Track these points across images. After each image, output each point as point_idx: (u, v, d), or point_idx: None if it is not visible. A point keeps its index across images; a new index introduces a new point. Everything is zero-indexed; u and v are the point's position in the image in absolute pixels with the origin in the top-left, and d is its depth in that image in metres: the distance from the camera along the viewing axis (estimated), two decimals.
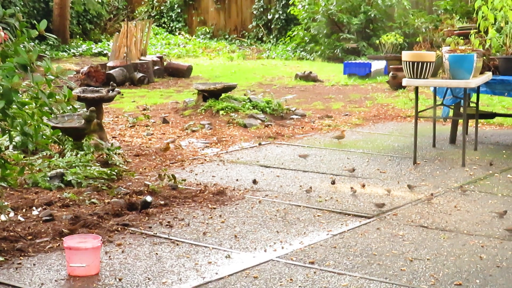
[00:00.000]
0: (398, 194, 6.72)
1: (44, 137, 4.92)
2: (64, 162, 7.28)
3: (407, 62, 7.79)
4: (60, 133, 7.57)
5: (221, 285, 4.58)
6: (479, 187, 7.03)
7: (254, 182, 7.06)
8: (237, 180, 7.24)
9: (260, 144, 8.11)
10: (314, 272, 4.79)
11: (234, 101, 11.11)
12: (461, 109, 8.72)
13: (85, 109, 8.37)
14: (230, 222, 5.88)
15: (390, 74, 14.30)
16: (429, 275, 4.74)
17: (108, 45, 20.43)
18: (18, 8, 19.40)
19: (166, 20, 24.46)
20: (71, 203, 6.24)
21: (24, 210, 6.03)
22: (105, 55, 19.58)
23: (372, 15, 19.16)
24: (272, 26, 22.44)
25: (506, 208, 6.15)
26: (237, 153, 8.55)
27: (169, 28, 24.24)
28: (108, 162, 7.59)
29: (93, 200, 6.31)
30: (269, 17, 22.46)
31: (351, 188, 6.77)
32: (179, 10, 24.23)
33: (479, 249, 5.24)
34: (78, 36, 22.07)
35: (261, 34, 22.77)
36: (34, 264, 4.88)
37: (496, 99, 12.26)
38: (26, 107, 4.78)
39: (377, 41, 17.68)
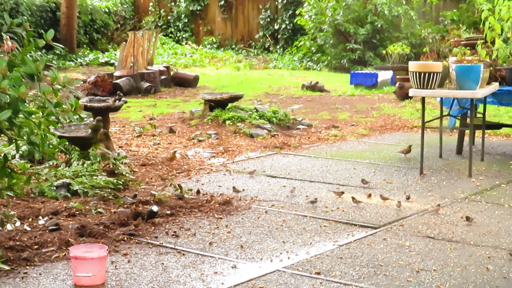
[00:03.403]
0: (405, 204, 6.70)
1: (50, 146, 4.92)
2: (71, 171, 7.30)
3: (414, 73, 7.79)
4: (67, 143, 7.58)
5: None
6: (486, 197, 7.01)
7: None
8: (243, 190, 7.24)
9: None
10: (320, 283, 4.78)
11: (240, 111, 11.11)
12: (468, 120, 8.70)
13: (91, 119, 8.39)
14: (236, 232, 5.87)
15: (397, 84, 14.29)
16: (436, 286, 4.73)
17: (115, 54, 20.49)
18: (26, 18, 19.47)
19: (173, 30, 24.51)
20: (77, 212, 6.24)
21: (30, 219, 6.03)
22: (112, 64, 19.62)
23: (379, 26, 19.16)
24: (278, 36, 22.46)
25: None
26: (243, 163, 8.55)
27: (176, 38, 24.28)
28: (114, 172, 7.60)
29: (99, 210, 6.31)
30: (276, 27, 22.49)
31: (353, 198, 6.73)
32: (186, 20, 24.27)
33: (486, 260, 5.23)
34: (85, 46, 22.11)
35: (268, 44, 22.79)
36: (40, 274, 4.88)
37: (503, 109, 12.24)
38: (33, 116, 4.79)
39: (384, 52, 17.67)
